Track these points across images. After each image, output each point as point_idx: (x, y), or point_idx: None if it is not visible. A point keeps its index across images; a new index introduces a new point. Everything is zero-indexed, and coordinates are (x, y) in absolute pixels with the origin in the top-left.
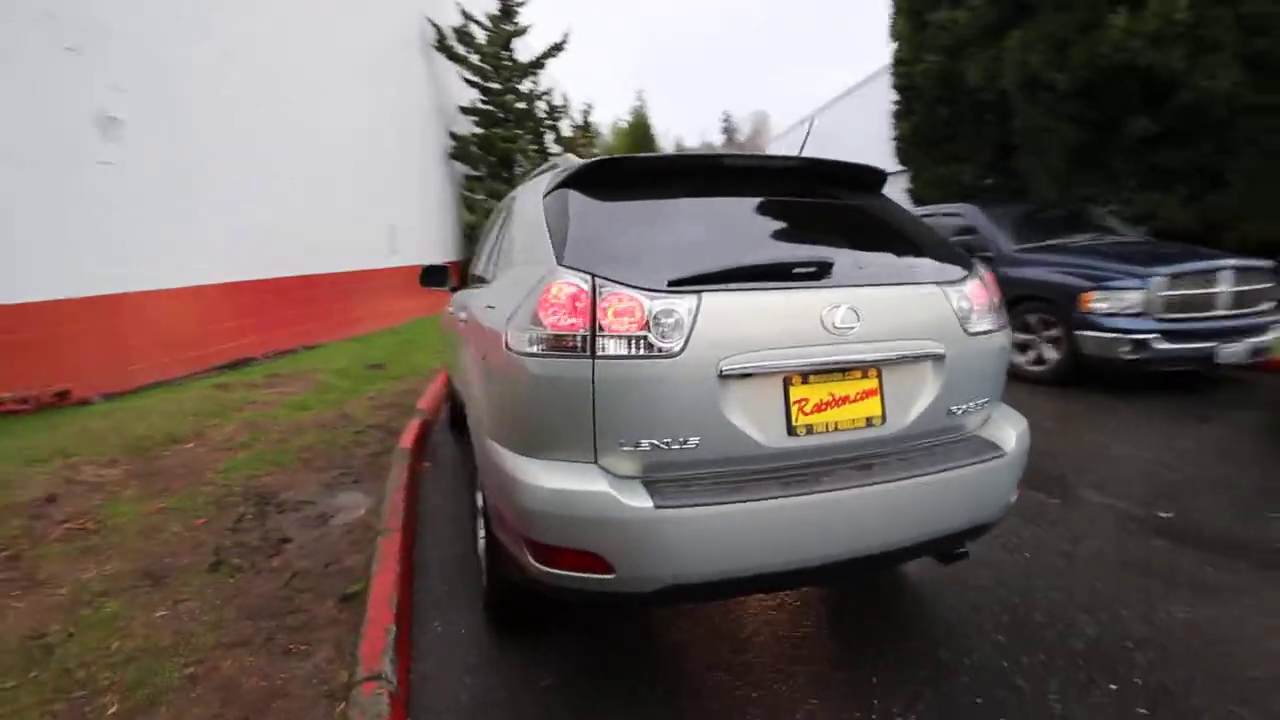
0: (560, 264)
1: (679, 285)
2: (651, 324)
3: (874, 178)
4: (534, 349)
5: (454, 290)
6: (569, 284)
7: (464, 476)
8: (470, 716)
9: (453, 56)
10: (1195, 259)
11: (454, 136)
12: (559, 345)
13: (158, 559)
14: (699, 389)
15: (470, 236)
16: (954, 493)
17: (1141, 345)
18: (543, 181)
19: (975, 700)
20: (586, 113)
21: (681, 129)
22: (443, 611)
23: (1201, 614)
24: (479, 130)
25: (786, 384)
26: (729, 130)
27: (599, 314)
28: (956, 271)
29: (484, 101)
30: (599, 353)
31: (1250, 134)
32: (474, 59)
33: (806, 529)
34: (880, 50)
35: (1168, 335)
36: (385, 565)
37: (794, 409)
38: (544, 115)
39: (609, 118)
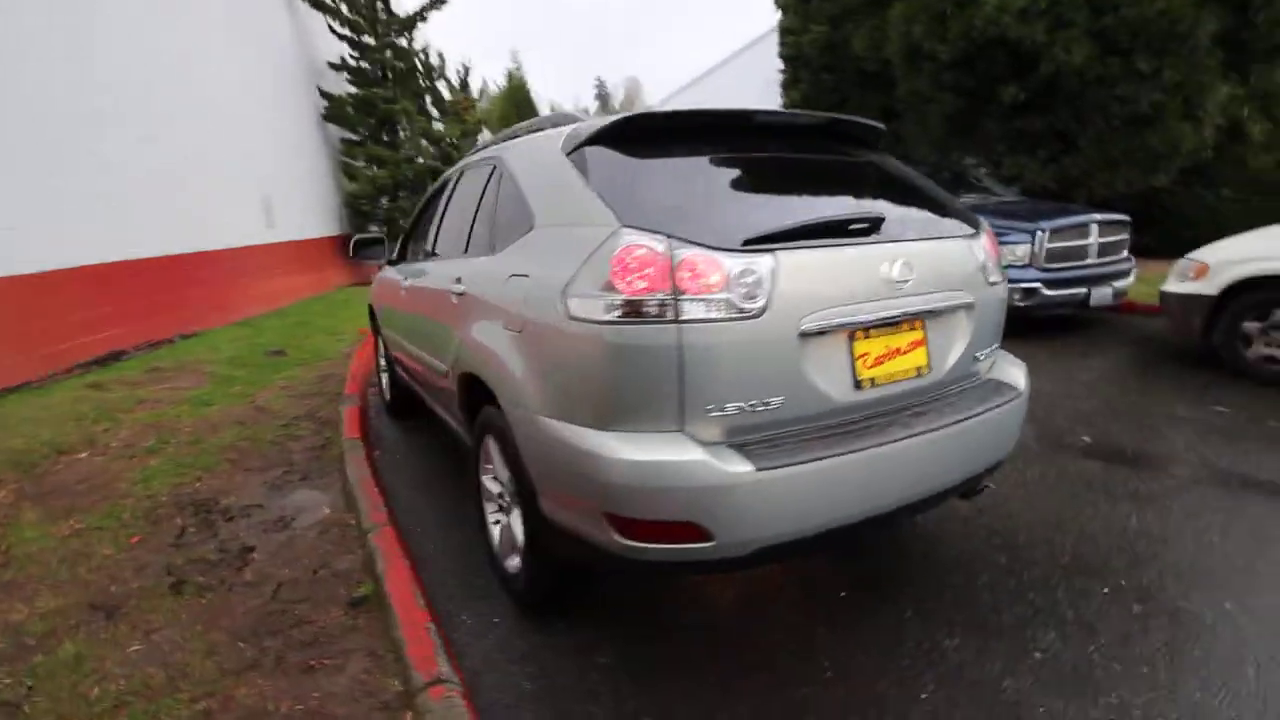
0: (624, 224)
1: (753, 244)
2: (733, 284)
3: (875, 134)
4: (608, 316)
5: (391, 264)
6: (641, 245)
7: (446, 460)
8: (543, 704)
9: (318, 4)
10: (1069, 214)
11: (326, 96)
12: (638, 311)
13: (101, 588)
14: (781, 348)
15: (355, 208)
16: (988, 432)
17: (1031, 293)
18: (547, 140)
19: (1003, 617)
20: (464, 74)
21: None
22: (464, 604)
23: (1147, 521)
24: (355, 90)
25: (851, 339)
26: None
27: (678, 276)
28: (970, 227)
29: (356, 57)
30: (683, 317)
31: (1098, 103)
32: (344, 9)
33: (885, 478)
34: (759, 17)
35: (1050, 284)
36: (394, 563)
37: (858, 363)
38: (422, 75)
39: (487, 80)
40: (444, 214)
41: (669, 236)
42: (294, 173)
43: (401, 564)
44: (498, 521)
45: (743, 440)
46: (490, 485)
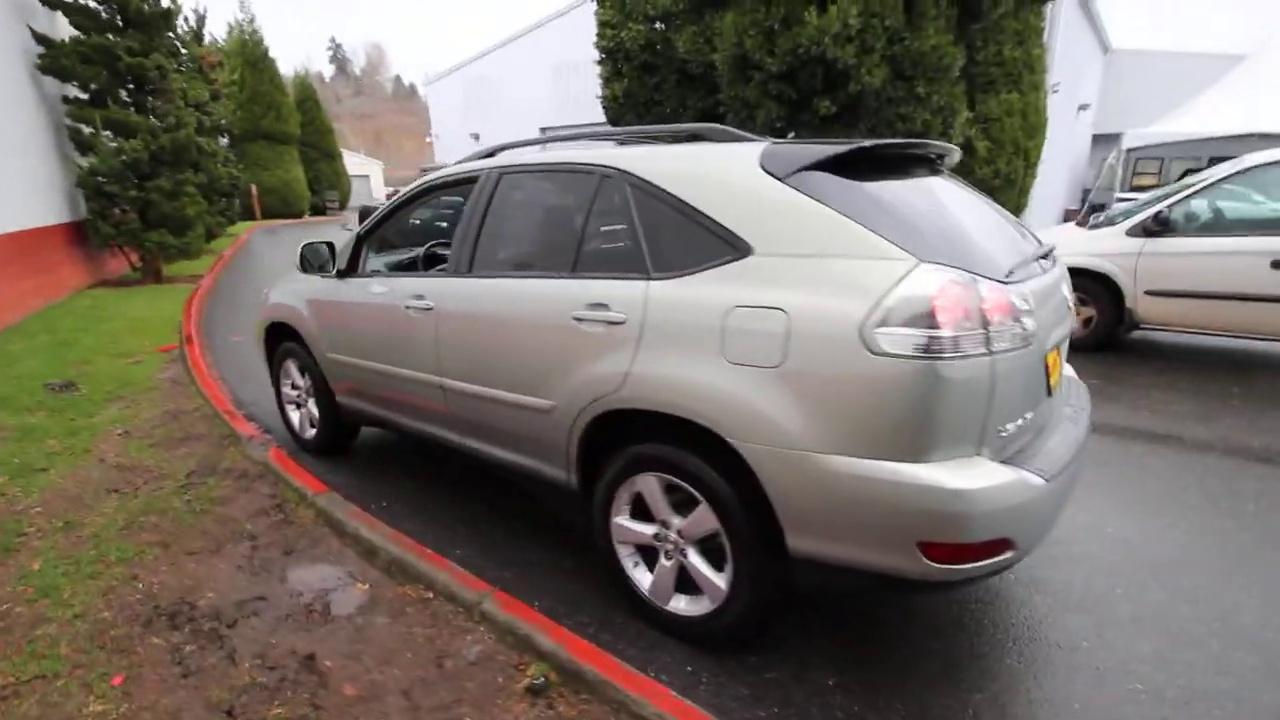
0: (922, 260)
1: (1009, 274)
2: (1019, 314)
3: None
4: (932, 352)
5: (341, 275)
6: (955, 281)
7: (467, 496)
8: None
9: None
10: None
11: (42, 40)
12: (958, 345)
13: None
14: (1039, 368)
15: (98, 189)
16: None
17: None
18: (729, 160)
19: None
20: (199, 22)
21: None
22: (657, 650)
23: None
24: (86, 36)
25: (1045, 354)
26: (339, 60)
27: (984, 309)
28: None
29: None
30: (994, 348)
31: (888, 119)
32: None
33: (1078, 474)
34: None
35: None
36: (558, 633)
37: (1050, 374)
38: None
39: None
40: (482, 226)
41: (967, 271)
42: None
43: (557, 627)
44: (637, 564)
45: (1008, 455)
46: (640, 528)
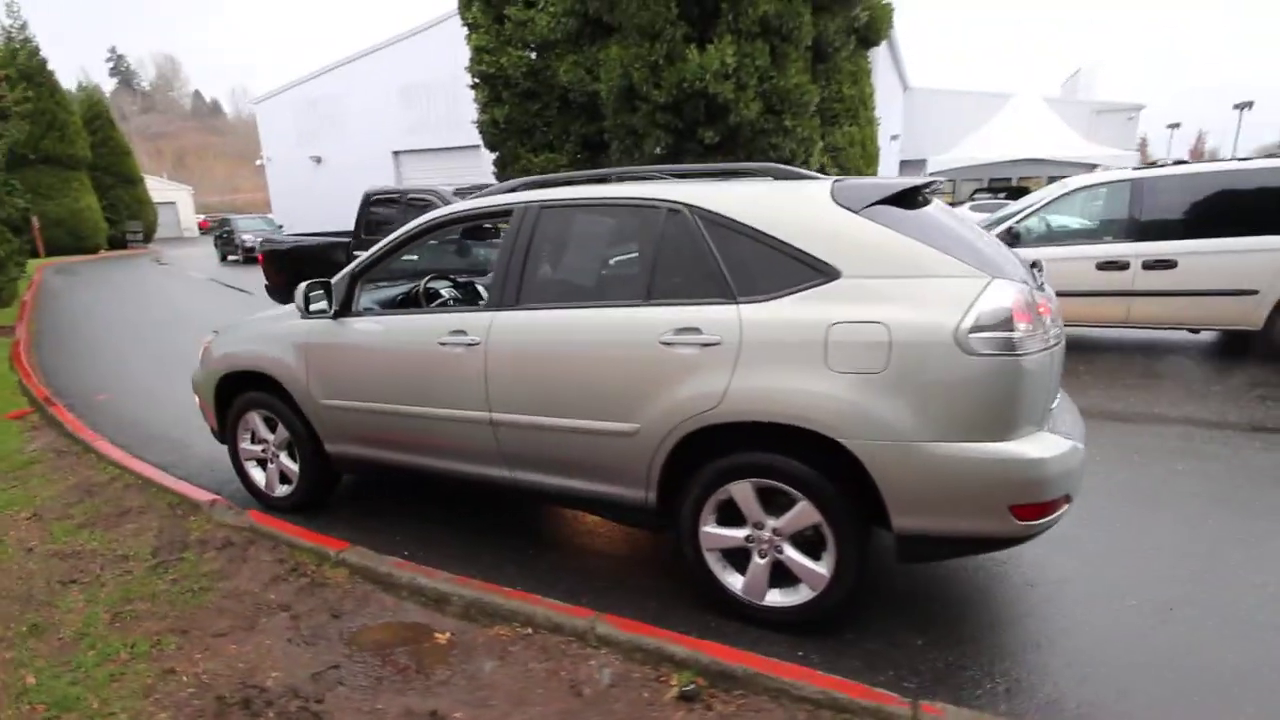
0: (995, 276)
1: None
2: (1055, 313)
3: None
4: (1018, 350)
5: (335, 316)
6: (1021, 292)
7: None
8: None
9: None
10: None
11: None
12: (1027, 342)
13: None
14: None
15: None
16: None
17: None
18: (800, 195)
19: None
20: None
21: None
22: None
23: None
24: None
25: None
26: (123, 72)
27: (1038, 312)
28: None
29: None
30: (1050, 342)
31: (762, 149)
32: None
33: None
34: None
35: None
36: (680, 638)
37: None
38: None
39: None
40: (526, 259)
41: (1024, 282)
42: None
43: (712, 644)
44: (725, 567)
45: (1052, 427)
46: (730, 533)
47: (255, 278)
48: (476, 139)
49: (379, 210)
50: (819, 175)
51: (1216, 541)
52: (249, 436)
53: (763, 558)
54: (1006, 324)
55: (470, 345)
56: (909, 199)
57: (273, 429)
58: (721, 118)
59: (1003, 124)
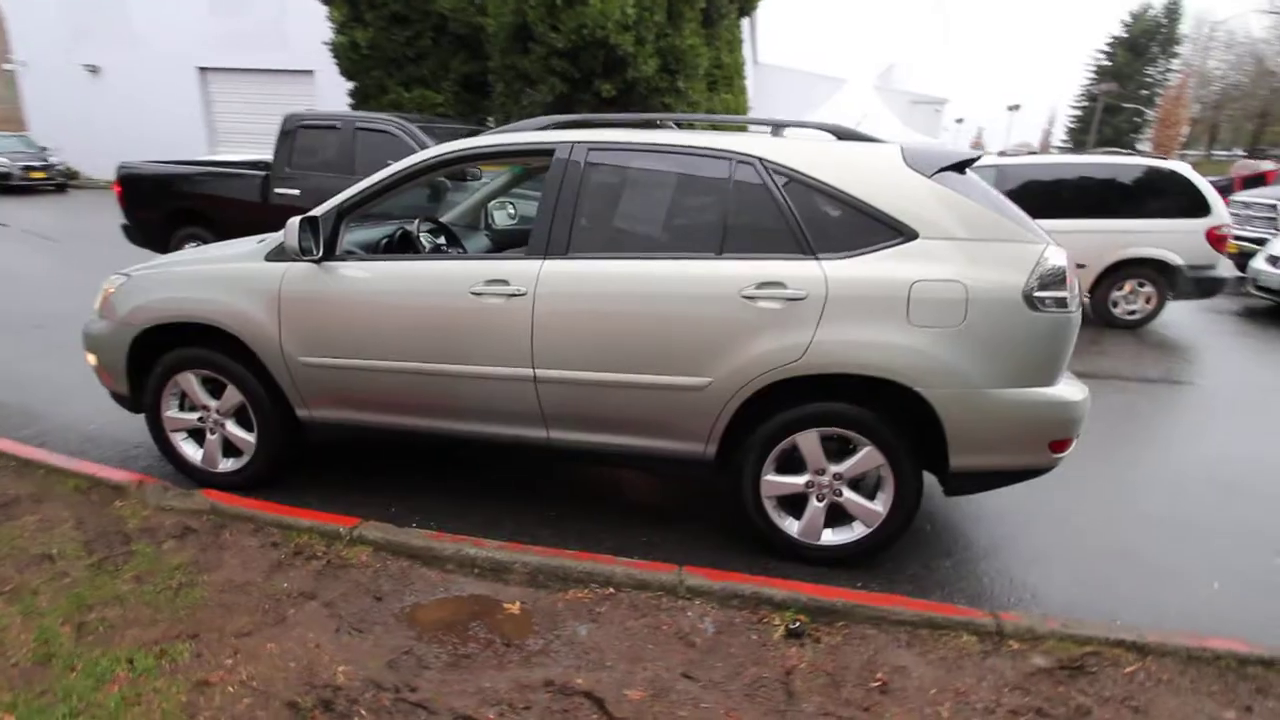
0: (1048, 242)
1: None
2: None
3: None
4: (1070, 307)
5: (320, 260)
6: (1067, 255)
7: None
8: None
9: None
10: None
11: None
12: (1074, 299)
13: None
14: None
15: None
16: None
17: None
18: (875, 158)
19: None
20: None
21: None
22: None
23: None
24: None
25: None
26: None
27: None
28: None
29: None
30: (1082, 300)
31: (657, 108)
32: None
33: None
34: None
35: None
36: (771, 581)
37: None
38: None
39: None
40: (576, 205)
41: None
42: None
43: (806, 584)
44: (782, 513)
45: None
46: (790, 480)
47: (23, 212)
48: (310, 62)
49: (309, 140)
50: (879, 137)
51: (1098, 470)
52: (178, 403)
53: (820, 501)
54: (1061, 283)
55: (513, 296)
56: (964, 168)
57: (216, 393)
58: (620, 71)
59: (837, 108)
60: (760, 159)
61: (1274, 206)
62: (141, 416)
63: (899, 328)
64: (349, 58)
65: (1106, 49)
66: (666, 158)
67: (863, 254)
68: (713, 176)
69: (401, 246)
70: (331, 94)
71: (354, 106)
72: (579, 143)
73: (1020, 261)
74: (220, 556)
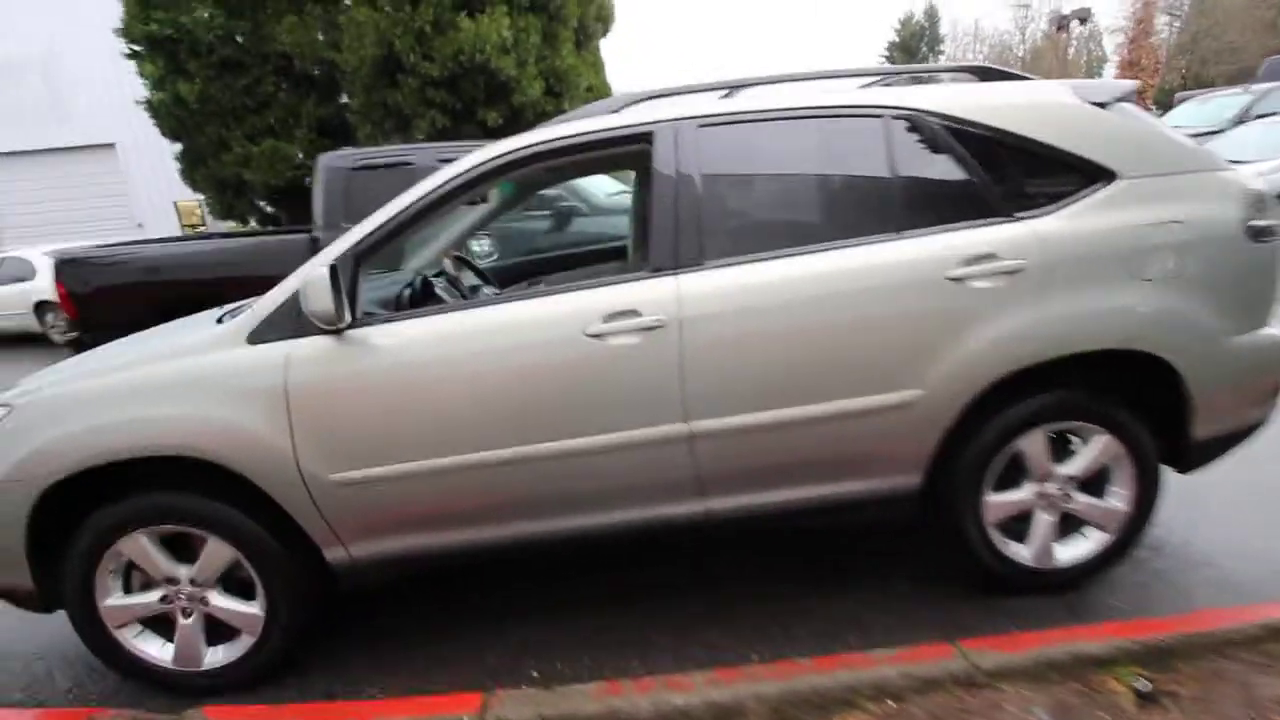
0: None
1: None
2: None
3: None
4: (1272, 235)
5: (349, 328)
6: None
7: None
8: None
9: None
10: None
11: None
12: None
13: None
14: None
15: None
16: None
17: None
18: (1048, 93)
19: None
20: None
21: None
22: None
23: None
24: None
25: None
26: None
27: None
28: None
29: None
30: None
31: None
32: None
33: None
34: None
35: None
36: (1073, 633)
37: None
38: None
39: None
40: (699, 199)
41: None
42: None
43: (1105, 630)
44: (1007, 531)
45: None
46: (1013, 496)
47: None
48: (106, 134)
49: (369, 184)
50: (1024, 74)
51: None
52: (121, 583)
53: (1049, 514)
54: (1265, 210)
55: (649, 329)
56: (1131, 98)
57: (187, 557)
58: (504, 97)
59: None
60: (921, 110)
61: None
62: (54, 616)
63: (1132, 286)
64: (173, 115)
65: (885, 54)
66: (800, 124)
67: (1067, 205)
68: (864, 139)
69: (426, 298)
70: (140, 166)
71: (185, 171)
72: (684, 119)
73: (1224, 191)
74: None
